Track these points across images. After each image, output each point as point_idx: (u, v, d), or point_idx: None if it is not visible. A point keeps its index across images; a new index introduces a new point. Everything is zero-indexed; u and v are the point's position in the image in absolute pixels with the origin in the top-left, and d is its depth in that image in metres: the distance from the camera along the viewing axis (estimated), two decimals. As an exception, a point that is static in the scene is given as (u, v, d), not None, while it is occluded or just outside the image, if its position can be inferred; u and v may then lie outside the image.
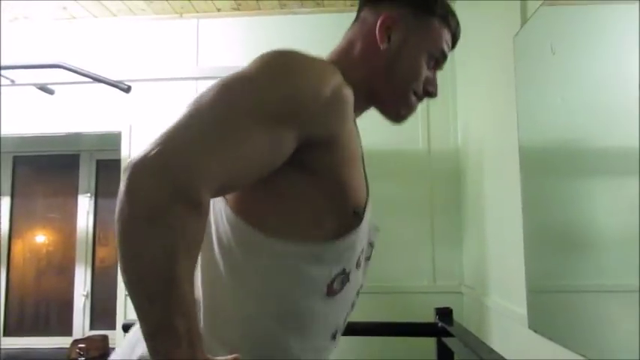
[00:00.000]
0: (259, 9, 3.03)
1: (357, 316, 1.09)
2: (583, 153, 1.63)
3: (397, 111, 0.93)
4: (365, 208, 0.85)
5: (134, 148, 2.98)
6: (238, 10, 3.04)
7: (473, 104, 2.62)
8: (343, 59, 0.90)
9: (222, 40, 3.06)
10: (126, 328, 1.86)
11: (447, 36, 0.92)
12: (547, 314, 1.74)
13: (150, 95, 2.99)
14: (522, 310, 1.84)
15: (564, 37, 1.71)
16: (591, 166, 1.60)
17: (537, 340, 1.71)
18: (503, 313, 2.13)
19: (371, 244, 0.94)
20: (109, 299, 3.01)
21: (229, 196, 0.79)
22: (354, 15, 0.97)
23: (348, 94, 0.78)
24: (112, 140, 3.01)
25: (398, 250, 2.76)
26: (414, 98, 0.92)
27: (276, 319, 0.81)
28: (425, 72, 0.91)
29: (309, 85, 0.73)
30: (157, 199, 0.57)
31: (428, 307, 2.14)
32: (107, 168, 3.52)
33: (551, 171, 1.78)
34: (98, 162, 3.55)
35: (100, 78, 2.68)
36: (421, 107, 1.44)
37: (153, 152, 0.59)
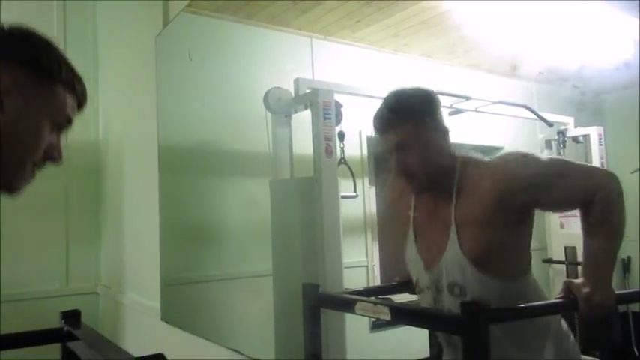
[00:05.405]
0: None
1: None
2: (217, 155, 1.79)
3: (11, 184, 0.81)
4: None
5: None
6: None
7: (116, 98, 2.56)
8: None
9: None
10: None
11: (72, 102, 0.85)
12: (178, 305, 1.84)
13: None
14: (157, 304, 1.89)
15: (204, 45, 1.84)
16: (222, 167, 1.77)
17: (170, 330, 1.79)
18: (138, 308, 2.15)
19: None
20: None
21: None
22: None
23: None
24: None
25: (25, 252, 2.44)
26: (31, 169, 0.84)
27: None
28: (47, 139, 0.83)
29: None
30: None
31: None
32: None
33: (187, 170, 1.89)
34: None
35: None
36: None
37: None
